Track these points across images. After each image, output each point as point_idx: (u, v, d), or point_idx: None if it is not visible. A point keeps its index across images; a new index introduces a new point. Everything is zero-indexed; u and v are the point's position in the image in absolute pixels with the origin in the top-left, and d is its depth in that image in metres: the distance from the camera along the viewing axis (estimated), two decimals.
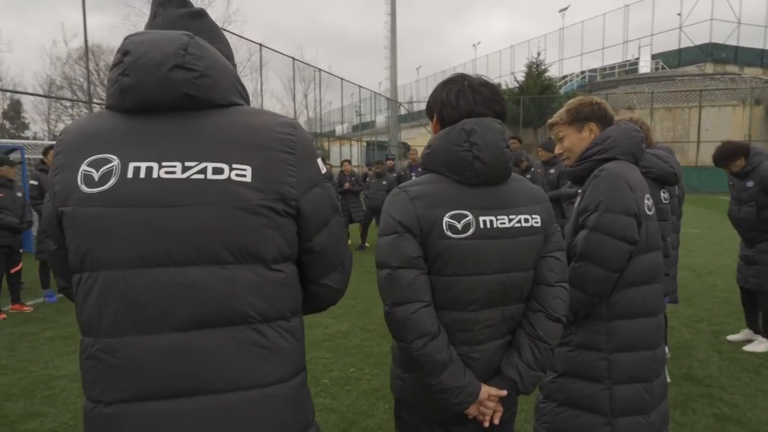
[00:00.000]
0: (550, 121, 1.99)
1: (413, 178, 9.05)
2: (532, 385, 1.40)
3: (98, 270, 0.92)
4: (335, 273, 1.11)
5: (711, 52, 32.11)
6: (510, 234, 1.36)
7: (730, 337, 4.43)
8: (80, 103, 28.76)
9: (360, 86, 28.50)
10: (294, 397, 0.99)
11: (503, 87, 36.37)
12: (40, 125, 31.24)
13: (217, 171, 0.93)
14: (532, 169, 6.60)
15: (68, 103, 30.02)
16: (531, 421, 2.07)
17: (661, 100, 30.78)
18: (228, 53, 1.14)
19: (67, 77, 29.58)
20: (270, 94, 29.84)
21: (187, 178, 0.92)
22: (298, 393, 1.00)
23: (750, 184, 3.96)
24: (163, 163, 0.93)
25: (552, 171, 6.04)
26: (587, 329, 1.74)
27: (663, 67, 34.02)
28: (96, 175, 0.93)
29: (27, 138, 24.66)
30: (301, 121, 31.49)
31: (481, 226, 1.33)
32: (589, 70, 37.07)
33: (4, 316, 5.35)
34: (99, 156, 0.94)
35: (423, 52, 79.07)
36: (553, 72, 35.95)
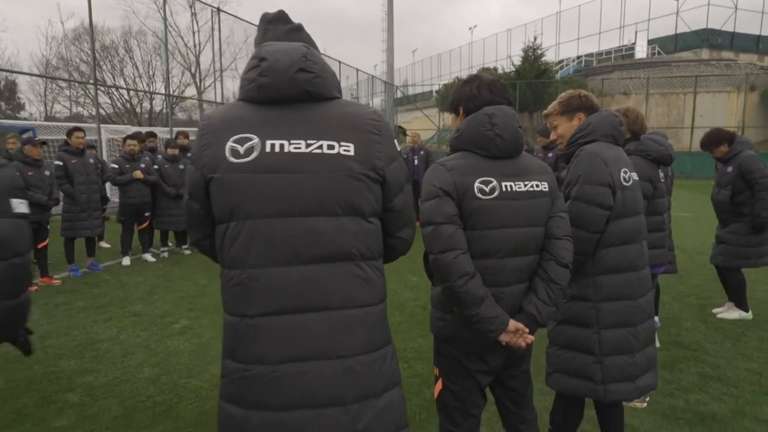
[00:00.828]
0: (545, 112, 2.34)
1: (416, 161, 9.25)
2: (548, 317, 1.77)
3: (245, 220, 1.23)
4: (407, 228, 1.43)
5: (707, 38, 32.26)
6: (526, 196, 1.73)
7: (715, 310, 4.82)
8: (76, 84, 28.56)
9: (358, 69, 28.56)
10: (382, 317, 1.32)
11: (499, 71, 36.45)
12: (36, 106, 31.03)
13: (330, 147, 1.25)
14: (533, 153, 6.93)
15: (64, 84, 29.77)
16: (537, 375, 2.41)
17: (656, 86, 30.99)
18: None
19: (63, 57, 29.29)
20: None
21: (310, 152, 1.24)
22: (383, 314, 1.33)
23: (729, 169, 4.34)
24: (291, 141, 1.24)
25: (550, 155, 6.41)
26: (578, 283, 2.08)
27: (659, 53, 34.15)
28: (241, 150, 1.23)
29: (24, 119, 24.52)
30: None
31: (504, 189, 1.70)
32: (586, 55, 37.18)
33: (36, 288, 5.66)
34: (242, 135, 1.24)
35: (419, 34, 78.51)
36: (549, 56, 36.03)
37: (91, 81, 18.99)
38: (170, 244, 7.80)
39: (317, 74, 1.27)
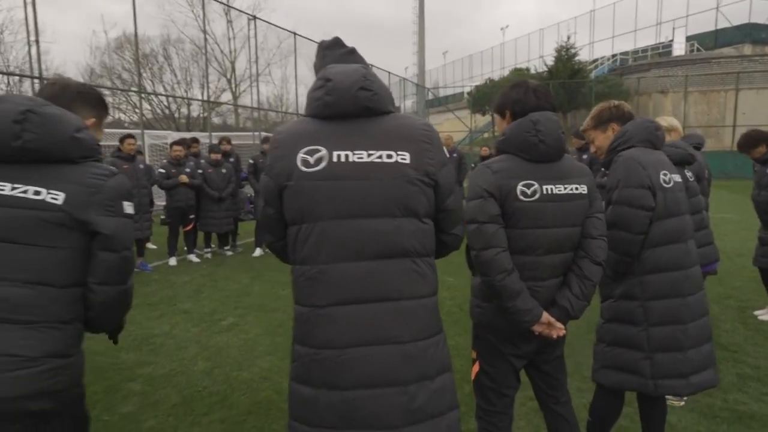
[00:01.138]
0: (581, 129, 2.45)
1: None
2: (580, 311, 1.89)
3: (315, 222, 1.39)
4: (459, 225, 1.58)
5: (749, 33, 31.14)
6: (565, 198, 1.85)
7: (757, 312, 4.78)
8: (119, 91, 29.62)
9: (389, 72, 28.77)
10: (434, 308, 1.47)
11: (532, 71, 36.09)
12: None
13: (389, 156, 1.40)
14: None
15: (107, 91, 30.98)
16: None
17: (695, 83, 30.12)
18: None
19: (105, 66, 30.45)
20: (297, 79, 30.38)
21: (371, 161, 1.40)
22: (435, 306, 1.48)
23: None
24: (355, 152, 1.40)
25: (585, 157, 6.43)
26: (626, 283, 2.18)
27: (698, 49, 33.17)
28: (311, 160, 1.40)
29: None
30: None
31: (545, 192, 1.82)
32: (621, 53, 36.43)
33: None
34: (312, 147, 1.41)
35: (450, 36, 78.39)
36: (583, 55, 35.44)
37: (134, 88, 19.71)
38: (213, 245, 8.12)
39: (375, 92, 1.43)
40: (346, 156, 1.40)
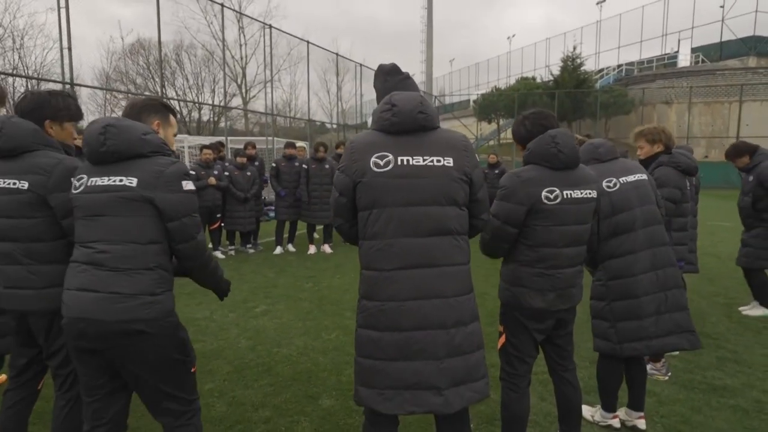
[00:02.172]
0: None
1: None
2: None
3: (384, 208, 1.88)
4: (486, 213, 2.07)
5: (754, 45, 31.55)
6: (581, 202, 2.31)
7: (741, 308, 5.25)
8: (130, 95, 30.20)
9: (407, 74, 29.29)
10: (468, 272, 1.97)
11: (538, 80, 36.60)
12: (96, 116, 33.04)
13: (438, 161, 1.90)
14: None
15: (121, 95, 31.60)
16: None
17: (700, 95, 30.55)
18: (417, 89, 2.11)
19: (120, 71, 31.08)
20: (304, 85, 30.91)
21: (425, 164, 1.89)
22: (469, 271, 1.97)
23: (751, 178, 4.81)
24: (414, 157, 1.89)
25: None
26: (597, 268, 2.75)
27: (703, 61, 33.61)
28: (381, 163, 1.88)
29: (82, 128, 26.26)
30: (334, 113, 32.56)
31: (565, 197, 2.27)
32: (626, 64, 36.92)
33: None
34: (381, 153, 1.90)
35: (456, 43, 79.06)
36: (589, 65, 35.92)
37: (147, 93, 20.29)
38: (236, 244, 8.64)
39: (428, 114, 1.93)
40: (407, 160, 1.88)
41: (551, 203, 2.25)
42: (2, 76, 18.37)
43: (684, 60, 34.51)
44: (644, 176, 2.81)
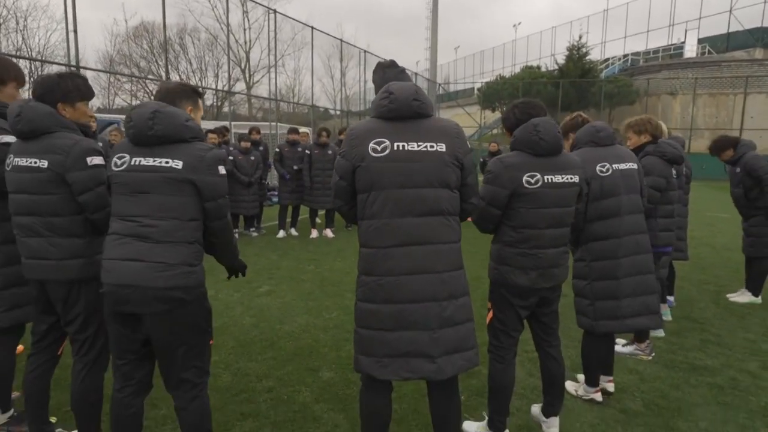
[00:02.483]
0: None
1: None
2: None
3: (381, 190, 2.03)
4: (475, 197, 2.22)
5: (761, 37, 31.32)
6: (562, 186, 2.46)
7: (729, 295, 5.42)
8: (135, 78, 30.20)
9: (403, 68, 29.26)
10: (458, 250, 2.13)
11: (543, 69, 36.45)
12: (101, 100, 33.09)
13: (431, 146, 2.04)
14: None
15: (124, 78, 31.59)
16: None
17: (705, 86, 30.44)
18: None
19: (124, 54, 31.04)
20: (308, 70, 30.88)
21: (420, 149, 2.03)
22: (459, 249, 2.13)
23: (738, 170, 4.96)
24: (409, 143, 2.04)
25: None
26: (580, 249, 2.93)
27: (709, 52, 33.41)
28: (379, 148, 2.03)
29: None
30: (338, 100, 32.60)
31: (546, 181, 2.43)
32: (632, 54, 36.72)
33: None
34: (379, 139, 2.04)
35: (461, 30, 78.39)
36: (595, 54, 35.71)
37: (150, 76, 20.31)
38: (239, 227, 8.82)
39: (423, 102, 2.08)
40: (403, 146, 2.03)
41: (532, 187, 2.41)
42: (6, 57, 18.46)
43: (690, 51, 34.25)
44: (635, 165, 2.97)
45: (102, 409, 2.40)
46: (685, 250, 4.76)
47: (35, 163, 2.19)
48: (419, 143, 2.04)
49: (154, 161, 2.02)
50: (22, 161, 2.22)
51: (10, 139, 2.39)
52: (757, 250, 5.12)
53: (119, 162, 2.06)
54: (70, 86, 2.29)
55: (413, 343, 2.02)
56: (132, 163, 2.03)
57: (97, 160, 2.22)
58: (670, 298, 4.90)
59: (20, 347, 3.30)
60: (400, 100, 2.05)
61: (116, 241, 2.02)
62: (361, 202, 2.10)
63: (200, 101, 2.30)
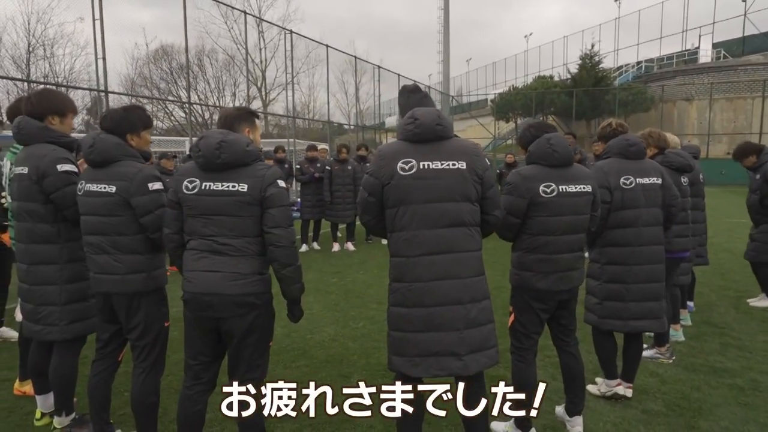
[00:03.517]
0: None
1: None
2: None
3: (408, 205, 2.22)
4: (498, 210, 2.40)
5: None
6: (576, 195, 2.66)
7: (749, 300, 5.48)
8: (155, 100, 30.96)
9: (415, 82, 29.62)
10: (480, 258, 2.31)
11: (555, 79, 36.54)
12: None
13: (453, 164, 2.23)
14: (585, 162, 7.71)
15: (145, 100, 32.40)
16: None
17: (721, 91, 30.24)
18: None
19: (145, 76, 31.83)
20: (322, 87, 31.45)
21: (443, 168, 2.22)
22: (481, 257, 2.31)
23: (757, 176, 5.05)
24: (433, 162, 2.23)
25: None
26: (595, 251, 3.14)
27: (725, 56, 33.19)
28: (406, 167, 2.23)
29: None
30: (352, 114, 33.03)
31: (561, 190, 2.63)
32: (646, 61, 36.63)
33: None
34: (406, 159, 2.24)
35: (473, 42, 78.91)
36: (608, 62, 35.73)
37: (170, 97, 20.83)
38: None
39: (444, 126, 2.28)
40: (428, 165, 2.22)
41: (548, 196, 2.62)
42: (34, 84, 19.15)
43: (705, 56, 34.09)
44: (659, 180, 3.16)
45: (159, 410, 2.61)
46: (705, 255, 4.87)
47: (104, 188, 2.45)
48: (442, 162, 2.23)
49: (223, 186, 2.25)
50: (93, 187, 2.48)
51: (71, 167, 2.66)
52: (756, 255, 5.26)
53: (190, 186, 2.28)
54: (135, 118, 2.58)
55: (442, 343, 2.19)
56: (202, 187, 2.26)
57: (157, 185, 2.48)
58: (690, 304, 4.99)
59: (27, 388, 3.47)
60: (424, 125, 2.25)
61: (195, 256, 2.27)
62: (390, 216, 2.28)
63: (257, 121, 2.52)
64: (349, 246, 9.13)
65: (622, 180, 3.03)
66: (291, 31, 19.62)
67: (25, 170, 2.65)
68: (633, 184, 3.05)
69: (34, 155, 2.65)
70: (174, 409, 3.07)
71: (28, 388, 3.31)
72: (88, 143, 2.47)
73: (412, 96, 2.44)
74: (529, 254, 2.70)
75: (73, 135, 2.95)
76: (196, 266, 2.26)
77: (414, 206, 2.21)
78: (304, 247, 8.98)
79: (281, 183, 2.33)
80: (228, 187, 2.24)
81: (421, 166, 2.21)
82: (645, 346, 3.99)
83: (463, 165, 2.24)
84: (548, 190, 2.62)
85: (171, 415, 3.05)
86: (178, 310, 2.81)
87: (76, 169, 2.67)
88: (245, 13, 17.87)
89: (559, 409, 3.05)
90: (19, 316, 4.76)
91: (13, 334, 4.34)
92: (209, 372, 2.41)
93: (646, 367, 3.74)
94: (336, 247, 9.04)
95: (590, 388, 3.32)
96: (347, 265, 7.72)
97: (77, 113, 3.03)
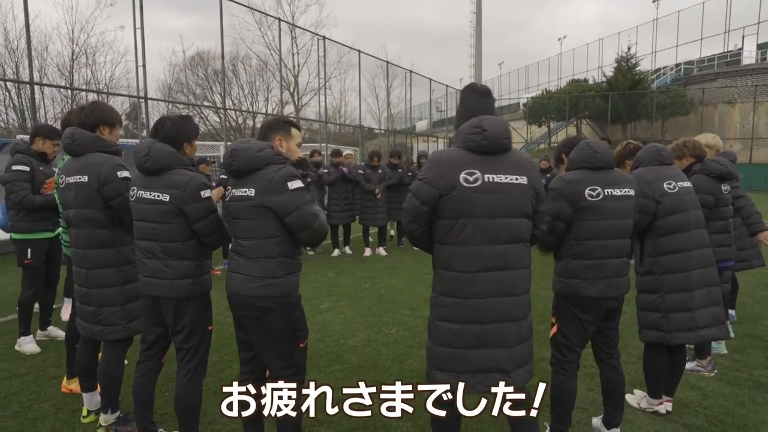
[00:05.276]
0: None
1: None
2: None
3: (470, 218, 2.08)
4: (545, 224, 2.36)
5: None
6: (621, 198, 2.63)
7: None
8: (192, 106, 31.73)
9: (447, 86, 29.60)
10: (530, 274, 2.26)
11: (590, 82, 35.83)
12: None
13: (516, 179, 2.16)
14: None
15: (182, 105, 33.24)
16: None
17: (766, 93, 29.13)
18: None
19: (181, 82, 32.66)
20: (354, 91, 31.57)
21: (507, 182, 2.17)
22: (530, 273, 2.27)
23: None
24: (497, 175, 2.12)
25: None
26: (646, 263, 3.02)
27: None
28: (471, 179, 2.08)
29: (144, 137, 27.68)
30: (383, 119, 33.12)
31: (606, 194, 2.60)
32: (685, 63, 35.59)
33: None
34: (470, 170, 2.09)
35: (506, 43, 78.11)
36: (645, 65, 34.83)
37: (206, 103, 21.19)
38: None
39: (510, 139, 2.23)
40: (492, 178, 2.12)
41: (594, 200, 2.59)
42: (77, 91, 19.91)
43: (749, 57, 32.88)
44: (690, 184, 3.11)
45: (200, 411, 2.70)
46: (760, 256, 4.65)
47: (158, 196, 2.55)
48: (506, 176, 2.15)
49: (237, 192, 2.37)
50: (146, 194, 2.58)
51: (128, 174, 2.80)
52: None
53: (227, 194, 2.44)
54: (191, 128, 2.73)
55: (492, 360, 2.14)
56: (230, 194, 2.42)
57: (208, 193, 2.58)
58: (732, 312, 4.83)
59: (73, 386, 3.61)
60: (493, 137, 2.15)
61: (231, 258, 2.46)
62: (444, 227, 2.18)
63: (293, 129, 2.56)
64: (381, 251, 9.17)
65: (665, 185, 2.96)
66: (324, 37, 19.90)
67: (85, 178, 2.78)
68: (676, 188, 2.98)
69: (93, 164, 2.79)
70: (212, 411, 3.17)
71: (74, 385, 3.46)
72: (143, 152, 2.58)
73: (482, 99, 2.32)
74: (576, 260, 2.65)
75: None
76: (230, 267, 2.46)
77: (477, 220, 2.13)
78: (336, 252, 9.06)
79: (293, 184, 2.31)
80: (243, 192, 2.36)
81: (486, 179, 2.13)
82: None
83: (524, 180, 2.19)
84: (594, 194, 2.59)
85: (210, 416, 3.15)
86: (216, 312, 2.91)
87: (130, 176, 2.79)
88: (279, 19, 18.18)
89: (596, 421, 3.00)
90: (65, 316, 4.95)
91: (60, 333, 4.53)
92: (253, 361, 2.56)
93: (687, 380, 3.64)
94: (368, 251, 9.09)
95: (629, 398, 3.26)
96: (379, 270, 7.76)
97: (122, 124, 3.17)
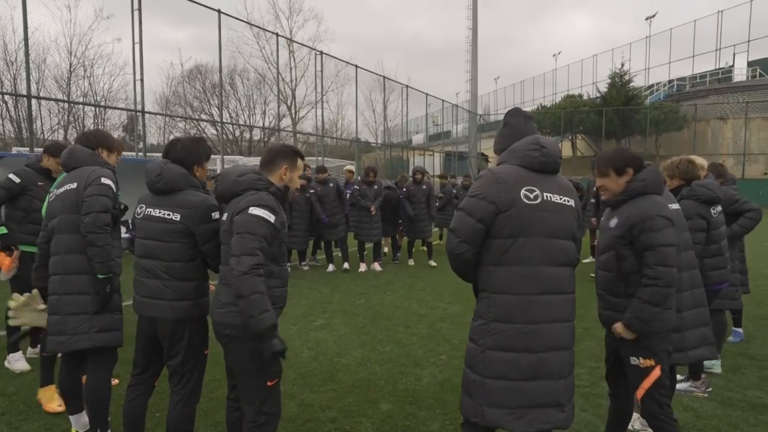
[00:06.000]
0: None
1: None
2: None
3: (529, 237, 2.06)
4: (579, 246, 2.32)
5: None
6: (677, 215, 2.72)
7: None
8: (188, 119, 31.75)
9: (443, 100, 29.80)
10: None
11: (585, 98, 36.16)
12: (157, 138, 34.87)
13: (567, 201, 2.16)
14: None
15: (179, 118, 33.25)
16: None
17: (757, 110, 29.48)
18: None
19: (179, 95, 32.74)
20: (350, 105, 31.75)
21: (561, 202, 2.14)
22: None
23: None
24: (554, 195, 2.12)
25: None
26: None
27: (761, 74, 32.38)
28: (531, 195, 2.08)
29: (140, 150, 27.51)
30: (379, 132, 33.22)
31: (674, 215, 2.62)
32: (678, 79, 36.00)
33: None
34: (530, 187, 2.09)
35: (501, 58, 79.02)
36: (638, 81, 35.21)
37: (203, 116, 21.23)
38: (290, 261, 9.19)
39: (559, 160, 2.25)
40: (550, 197, 2.13)
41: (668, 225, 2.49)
42: (74, 104, 19.90)
43: (740, 74, 33.30)
44: (679, 207, 3.13)
45: None
46: (747, 283, 4.74)
47: (168, 215, 2.57)
48: (560, 196, 2.16)
49: (222, 218, 2.45)
50: (156, 212, 2.60)
51: (112, 184, 2.83)
52: None
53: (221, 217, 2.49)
54: (201, 151, 2.74)
55: (549, 393, 2.06)
56: (215, 217, 2.59)
57: (217, 215, 2.59)
58: (740, 330, 4.91)
59: (115, 381, 3.61)
60: (551, 155, 2.18)
61: (216, 283, 2.52)
62: (500, 247, 2.10)
63: (299, 160, 2.56)
64: (376, 266, 9.16)
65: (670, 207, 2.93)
66: (321, 52, 20.05)
67: (74, 185, 2.82)
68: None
69: (84, 172, 2.84)
70: (203, 431, 3.14)
71: (53, 405, 3.42)
72: (155, 172, 2.60)
73: (528, 122, 2.36)
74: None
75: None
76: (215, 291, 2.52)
77: (536, 239, 2.08)
78: (330, 267, 9.04)
79: (253, 210, 2.24)
80: (223, 217, 2.43)
81: (545, 197, 2.11)
82: (680, 377, 3.89)
83: (572, 202, 2.19)
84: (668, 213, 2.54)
85: None
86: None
87: (115, 188, 2.82)
88: (277, 35, 18.31)
89: None
90: None
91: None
92: (236, 389, 2.53)
93: (681, 400, 3.64)
94: (363, 267, 9.08)
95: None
96: (374, 286, 7.74)
97: (121, 154, 3.20)
